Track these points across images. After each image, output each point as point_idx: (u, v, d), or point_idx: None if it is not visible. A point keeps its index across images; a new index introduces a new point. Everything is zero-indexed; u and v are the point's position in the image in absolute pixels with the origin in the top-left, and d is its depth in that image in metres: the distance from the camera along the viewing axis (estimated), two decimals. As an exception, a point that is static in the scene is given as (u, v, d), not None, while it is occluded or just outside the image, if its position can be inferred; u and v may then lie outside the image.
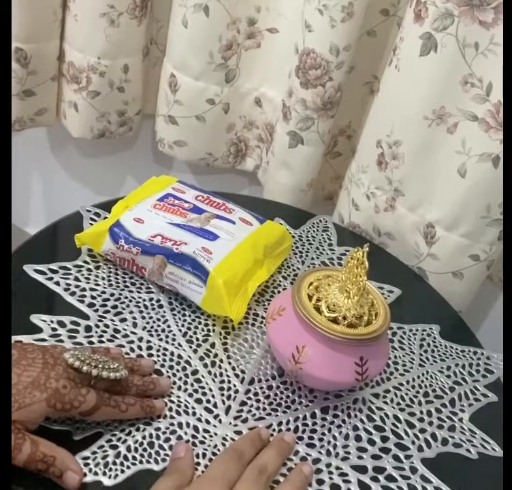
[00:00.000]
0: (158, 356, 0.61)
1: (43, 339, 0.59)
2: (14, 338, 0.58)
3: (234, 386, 0.60)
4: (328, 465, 0.55)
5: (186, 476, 0.50)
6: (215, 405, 0.58)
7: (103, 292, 0.66)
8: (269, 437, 0.56)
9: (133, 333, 0.63)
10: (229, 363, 0.62)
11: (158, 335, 0.63)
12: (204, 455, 0.53)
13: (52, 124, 1.12)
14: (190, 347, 0.63)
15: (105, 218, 0.74)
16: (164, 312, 0.66)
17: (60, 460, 0.48)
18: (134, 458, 0.52)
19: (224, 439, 0.55)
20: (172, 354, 0.62)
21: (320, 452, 0.56)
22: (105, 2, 0.92)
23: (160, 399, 0.56)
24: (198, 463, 0.52)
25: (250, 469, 0.50)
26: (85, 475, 0.49)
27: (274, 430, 0.57)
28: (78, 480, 0.48)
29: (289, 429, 0.57)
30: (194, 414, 0.57)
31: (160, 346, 0.62)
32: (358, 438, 0.58)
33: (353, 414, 0.60)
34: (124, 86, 1.02)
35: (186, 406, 0.57)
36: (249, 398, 0.59)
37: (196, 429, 0.55)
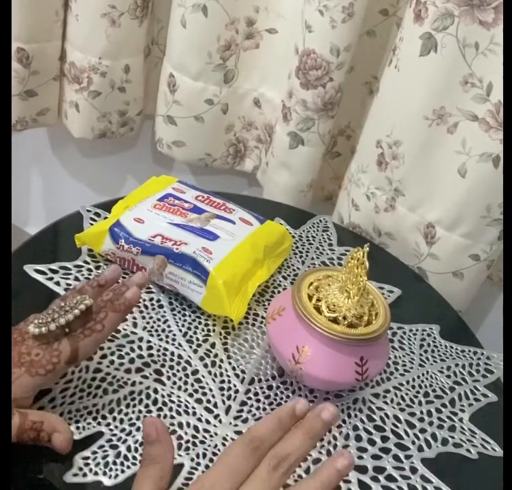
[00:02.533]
0: (158, 356, 0.61)
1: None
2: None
3: (234, 386, 0.60)
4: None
5: (165, 462, 0.44)
6: (215, 405, 0.58)
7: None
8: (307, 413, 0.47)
9: (133, 333, 0.63)
10: (229, 363, 0.62)
11: (159, 335, 0.63)
12: (204, 455, 0.53)
13: (53, 124, 1.12)
14: (191, 347, 0.63)
15: (106, 218, 0.74)
16: (164, 311, 0.66)
17: (48, 423, 0.47)
18: (134, 458, 0.52)
19: (224, 439, 0.55)
20: (172, 354, 0.62)
21: (320, 452, 0.56)
22: (106, 2, 0.92)
23: (131, 288, 0.53)
24: (198, 464, 0.52)
25: (265, 463, 0.43)
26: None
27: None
28: (66, 439, 0.47)
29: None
30: (194, 414, 0.57)
31: (160, 346, 0.62)
32: (358, 438, 0.58)
33: (353, 414, 0.60)
34: (126, 87, 1.02)
35: (186, 406, 0.57)
36: (249, 398, 0.59)
37: (196, 429, 0.55)
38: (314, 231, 0.84)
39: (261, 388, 0.61)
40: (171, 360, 0.61)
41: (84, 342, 0.50)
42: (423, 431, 0.60)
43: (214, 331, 0.65)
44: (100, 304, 0.52)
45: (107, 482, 0.50)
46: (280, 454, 0.43)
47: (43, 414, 0.48)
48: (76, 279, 0.67)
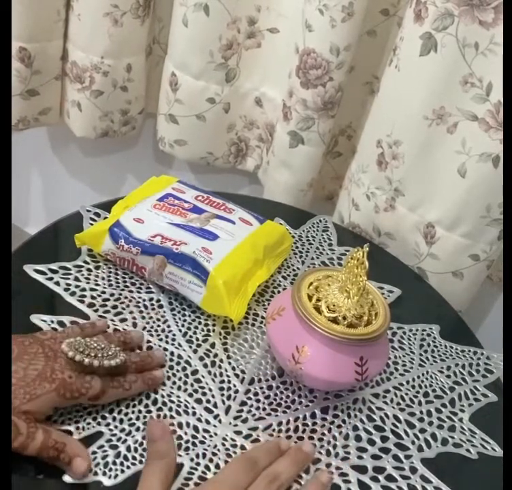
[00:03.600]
0: (158, 356, 0.61)
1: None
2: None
3: (234, 386, 0.60)
4: (328, 465, 0.55)
5: (170, 458, 0.49)
6: (215, 405, 0.58)
7: (103, 292, 0.66)
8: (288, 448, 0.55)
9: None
10: (229, 363, 0.62)
11: (158, 335, 0.63)
12: (204, 455, 0.53)
13: (55, 124, 1.12)
14: (190, 347, 0.63)
15: (105, 218, 0.74)
16: (164, 312, 0.66)
17: (70, 447, 0.49)
18: (134, 458, 0.52)
19: (224, 439, 0.55)
20: (172, 354, 0.62)
21: (320, 452, 0.56)
22: (108, 1, 0.92)
23: (158, 369, 0.59)
24: (198, 463, 0.53)
25: (262, 478, 0.50)
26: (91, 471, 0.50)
27: (273, 430, 0.57)
28: (86, 467, 0.49)
29: (288, 429, 0.57)
30: (194, 414, 0.57)
31: (160, 346, 0.62)
32: (358, 438, 0.58)
33: (352, 414, 0.60)
34: (128, 86, 1.02)
35: (186, 406, 0.57)
36: (249, 398, 0.59)
37: (196, 429, 0.55)
38: (314, 231, 0.84)
39: (261, 388, 0.61)
40: (171, 360, 0.61)
41: (111, 390, 0.53)
42: (423, 431, 0.60)
43: (213, 331, 0.65)
44: (128, 364, 0.56)
45: (106, 482, 0.50)
46: (273, 473, 0.51)
47: (65, 436, 0.50)
48: (76, 279, 0.67)
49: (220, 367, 0.62)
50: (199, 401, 0.58)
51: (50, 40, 1.00)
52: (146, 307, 0.66)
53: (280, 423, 0.58)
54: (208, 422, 0.56)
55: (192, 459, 0.53)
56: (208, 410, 0.57)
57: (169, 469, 0.48)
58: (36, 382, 0.49)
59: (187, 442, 0.54)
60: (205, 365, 0.61)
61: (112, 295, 0.66)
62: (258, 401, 0.59)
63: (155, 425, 0.51)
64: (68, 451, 0.49)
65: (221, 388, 0.59)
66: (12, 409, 0.47)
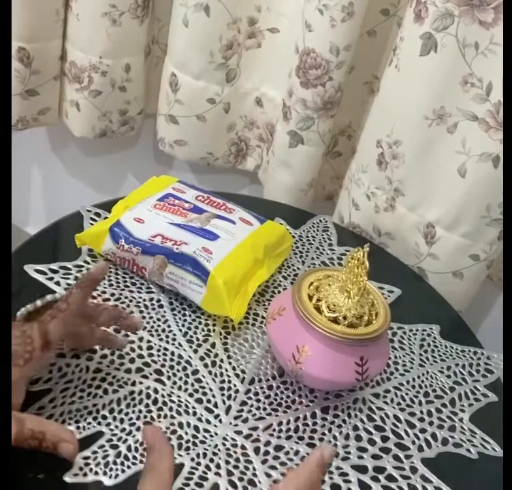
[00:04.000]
0: (158, 356, 0.61)
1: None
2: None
3: (234, 386, 0.60)
4: (328, 465, 0.55)
5: (162, 468, 0.45)
6: (215, 405, 0.58)
7: (104, 292, 0.66)
8: None
9: (133, 332, 0.63)
10: (230, 363, 0.62)
11: (159, 335, 0.63)
12: (205, 455, 0.53)
13: (54, 124, 1.12)
14: (191, 347, 0.63)
15: (106, 218, 0.74)
16: (164, 311, 0.66)
17: (51, 433, 0.47)
18: (134, 458, 0.52)
19: (224, 439, 0.55)
20: (172, 354, 0.62)
21: (320, 452, 0.56)
22: (107, 1, 0.92)
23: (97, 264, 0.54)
24: (198, 463, 0.53)
25: None
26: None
27: (273, 430, 0.57)
28: (73, 449, 0.47)
29: (289, 429, 0.57)
30: (194, 413, 0.57)
31: (160, 345, 0.62)
32: (358, 438, 0.58)
33: (353, 414, 0.60)
34: (126, 86, 1.02)
35: (186, 406, 0.57)
36: (249, 398, 0.59)
37: (196, 428, 0.55)
38: (314, 231, 0.84)
39: (262, 388, 0.61)
40: (172, 360, 0.61)
41: (52, 324, 0.49)
42: (423, 431, 0.60)
43: (214, 331, 0.65)
44: (99, 310, 0.54)
45: (107, 481, 0.50)
46: None
47: (42, 422, 0.48)
48: (76, 279, 0.67)
49: (220, 367, 0.62)
50: (199, 401, 0.58)
51: (48, 40, 1.00)
52: (146, 307, 0.66)
53: (280, 423, 0.58)
54: (208, 422, 0.56)
55: (192, 459, 0.53)
56: (208, 409, 0.57)
57: (161, 479, 0.44)
58: None
59: (187, 441, 0.54)
60: (205, 365, 0.61)
61: (113, 294, 0.66)
62: (258, 401, 0.59)
63: (146, 432, 0.47)
64: (49, 438, 0.46)
65: (222, 388, 0.60)
66: None
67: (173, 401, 0.57)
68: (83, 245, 0.70)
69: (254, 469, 0.53)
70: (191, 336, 0.64)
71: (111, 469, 0.50)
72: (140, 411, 0.55)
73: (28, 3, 0.93)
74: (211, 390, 0.59)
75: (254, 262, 0.68)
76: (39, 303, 0.51)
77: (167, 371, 0.60)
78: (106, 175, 1.30)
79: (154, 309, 0.66)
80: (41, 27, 0.97)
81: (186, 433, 0.55)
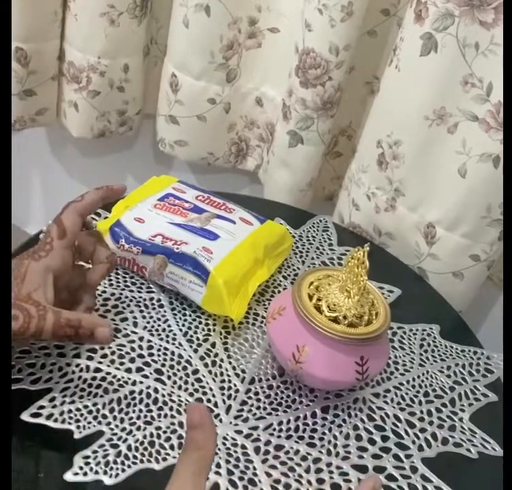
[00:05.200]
0: (158, 355, 0.61)
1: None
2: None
3: (235, 385, 0.60)
4: (329, 465, 0.55)
5: (207, 449, 0.43)
6: (216, 405, 0.58)
7: (104, 292, 0.66)
8: None
9: (133, 332, 0.63)
10: (230, 363, 0.62)
11: (159, 334, 0.63)
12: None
13: (52, 124, 1.12)
14: (191, 346, 0.63)
15: (106, 217, 0.74)
16: (164, 311, 0.66)
17: (86, 321, 0.49)
18: (135, 457, 0.52)
19: (224, 438, 0.55)
20: (173, 353, 0.62)
21: (320, 452, 0.56)
22: (105, 2, 0.92)
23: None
24: (199, 463, 0.53)
25: None
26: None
27: (274, 429, 0.57)
28: (109, 333, 0.50)
29: (289, 429, 0.57)
30: (194, 413, 0.56)
31: (160, 345, 0.62)
32: (358, 438, 0.58)
33: (353, 414, 0.60)
34: (125, 86, 1.02)
35: (186, 406, 0.57)
36: (250, 398, 0.59)
37: (196, 428, 0.55)
38: (314, 231, 0.84)
39: (262, 387, 0.61)
40: (172, 359, 0.61)
41: (65, 215, 0.54)
42: (423, 430, 0.60)
43: (214, 330, 0.65)
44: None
45: (107, 481, 0.50)
46: None
47: (77, 313, 0.50)
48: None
49: (220, 366, 0.62)
50: (199, 400, 0.58)
51: (46, 40, 1.00)
52: (146, 306, 0.66)
53: (280, 423, 0.58)
54: (208, 421, 0.56)
55: (193, 459, 0.53)
56: (208, 409, 0.57)
57: (204, 461, 0.42)
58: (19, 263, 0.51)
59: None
60: (205, 365, 0.61)
61: (113, 294, 0.66)
62: (258, 400, 0.59)
63: (193, 410, 0.44)
64: (85, 325, 0.49)
65: (222, 388, 0.59)
66: (16, 297, 0.48)
67: (173, 401, 0.57)
68: (83, 244, 0.70)
69: (254, 468, 0.53)
70: (191, 336, 0.64)
71: (111, 469, 0.50)
72: (140, 410, 0.55)
73: (26, 3, 0.93)
74: (211, 389, 0.59)
75: (254, 262, 0.68)
76: None
77: (167, 371, 0.60)
78: (106, 176, 1.30)
79: (154, 308, 0.66)
80: (38, 27, 0.97)
81: (187, 433, 0.55)
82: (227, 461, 0.53)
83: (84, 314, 0.50)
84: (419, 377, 0.66)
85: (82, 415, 0.54)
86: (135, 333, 0.63)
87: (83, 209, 0.55)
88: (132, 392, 0.57)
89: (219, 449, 0.54)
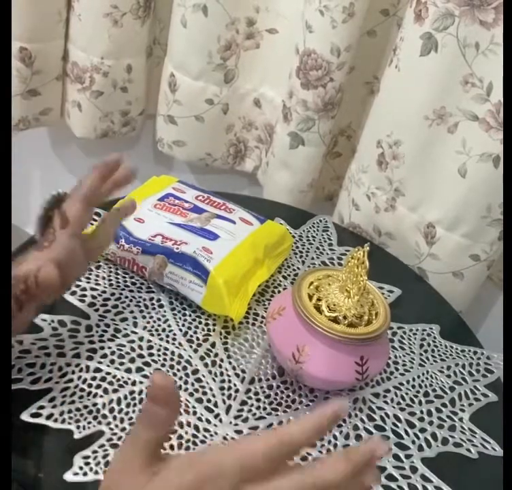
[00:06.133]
0: (158, 355, 0.61)
1: (44, 339, 0.59)
2: (15, 339, 0.58)
3: (235, 385, 0.60)
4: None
5: (164, 425, 0.38)
6: (216, 405, 0.58)
7: (104, 292, 0.66)
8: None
9: (133, 332, 0.63)
10: (230, 363, 0.62)
11: (159, 334, 0.63)
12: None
13: (56, 124, 1.12)
14: (191, 346, 0.63)
15: (106, 217, 0.74)
16: (164, 311, 0.66)
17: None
18: (134, 457, 0.52)
19: (224, 438, 0.55)
20: (173, 353, 0.62)
21: (320, 452, 0.56)
22: (108, 2, 0.92)
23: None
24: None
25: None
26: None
27: (274, 429, 0.57)
28: (50, 270, 0.49)
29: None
30: (194, 413, 0.57)
31: (160, 345, 0.62)
32: (358, 438, 0.58)
33: (353, 414, 0.60)
34: (128, 86, 1.02)
35: (186, 406, 0.57)
36: (250, 397, 0.59)
37: (196, 428, 0.55)
38: (314, 231, 0.84)
39: (262, 387, 0.61)
40: (172, 359, 0.61)
41: (67, 204, 0.54)
42: (423, 430, 0.60)
43: (214, 330, 0.65)
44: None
45: (107, 481, 0.50)
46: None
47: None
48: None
49: (220, 366, 0.62)
50: (199, 400, 0.58)
51: (50, 40, 1.00)
52: (146, 306, 0.66)
53: (280, 422, 0.58)
54: (208, 421, 0.56)
55: (192, 458, 0.53)
56: (208, 409, 0.57)
57: (159, 437, 0.38)
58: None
59: (188, 441, 0.54)
60: (205, 365, 0.61)
61: (113, 294, 0.66)
62: (258, 400, 0.59)
63: (159, 379, 0.37)
64: (31, 275, 0.48)
65: (222, 388, 0.60)
66: None
67: (173, 401, 0.57)
68: (83, 245, 0.70)
69: (254, 468, 0.53)
70: (191, 336, 0.64)
71: (111, 469, 0.50)
72: (140, 410, 0.55)
73: (30, 3, 0.94)
74: (211, 389, 0.59)
75: (254, 262, 0.68)
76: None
77: (167, 371, 0.60)
78: (106, 176, 1.30)
79: (154, 308, 0.66)
80: (42, 27, 0.98)
81: (186, 433, 0.55)
82: (227, 461, 0.53)
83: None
84: (419, 377, 0.66)
85: (82, 415, 0.54)
86: (135, 333, 0.63)
87: (83, 195, 0.55)
88: (132, 392, 0.57)
89: (219, 449, 0.54)
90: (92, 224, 0.73)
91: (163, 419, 0.38)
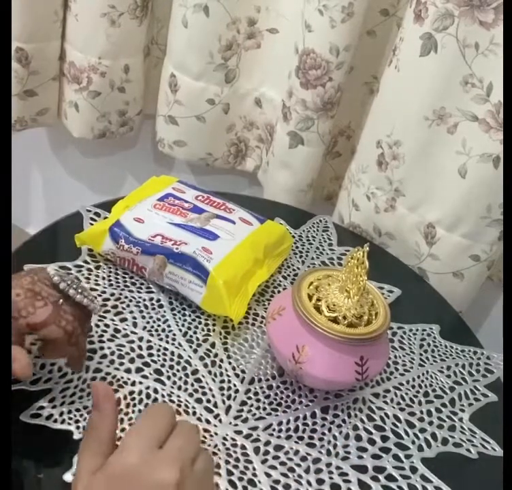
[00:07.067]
0: (158, 356, 0.61)
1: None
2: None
3: (234, 385, 0.60)
4: (328, 465, 0.55)
5: (104, 429, 0.45)
6: (215, 405, 0.58)
7: (104, 292, 0.66)
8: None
9: (133, 332, 0.63)
10: (229, 363, 0.62)
11: (159, 334, 0.63)
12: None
13: (53, 124, 1.12)
14: (191, 347, 0.63)
15: (106, 217, 0.74)
16: (164, 311, 0.66)
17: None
18: (134, 457, 0.52)
19: (224, 438, 0.55)
20: (172, 353, 0.62)
21: (320, 452, 0.56)
22: (106, 2, 0.92)
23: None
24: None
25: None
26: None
27: (273, 430, 0.57)
28: (21, 367, 0.45)
29: (289, 429, 0.57)
30: (194, 413, 0.57)
31: (160, 345, 0.62)
32: (358, 438, 0.58)
33: (353, 414, 0.60)
34: (125, 86, 1.02)
35: (186, 406, 0.57)
36: (249, 398, 0.59)
37: (196, 428, 0.55)
38: (314, 231, 0.84)
39: (261, 387, 0.61)
40: (171, 360, 0.61)
41: (54, 328, 0.48)
42: (423, 430, 0.60)
43: (214, 330, 0.65)
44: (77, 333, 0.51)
45: (107, 481, 0.49)
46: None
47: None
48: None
49: (220, 366, 0.62)
50: (199, 400, 0.58)
51: (47, 40, 1.00)
52: (146, 307, 0.66)
53: (280, 423, 0.58)
54: (208, 421, 0.56)
55: (192, 459, 0.53)
56: (208, 409, 0.57)
57: (101, 440, 0.44)
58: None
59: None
60: (205, 365, 0.61)
61: (112, 294, 0.66)
62: (258, 400, 0.59)
63: (95, 389, 0.46)
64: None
65: (221, 388, 0.59)
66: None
67: (173, 401, 0.57)
68: (83, 245, 0.70)
69: (254, 469, 0.53)
70: (191, 336, 0.64)
71: (111, 469, 0.50)
72: (140, 411, 0.55)
73: (27, 3, 0.93)
74: (211, 390, 0.59)
75: (254, 262, 0.68)
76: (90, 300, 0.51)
77: (167, 371, 0.60)
78: (106, 176, 1.30)
79: (154, 309, 0.66)
80: (39, 27, 0.97)
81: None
82: (227, 462, 0.53)
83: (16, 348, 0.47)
84: (418, 377, 0.66)
85: (81, 415, 0.54)
86: (135, 333, 0.63)
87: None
88: (132, 392, 0.57)
89: (219, 449, 0.54)
90: (91, 224, 0.73)
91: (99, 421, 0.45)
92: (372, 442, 0.58)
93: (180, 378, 0.59)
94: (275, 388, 0.61)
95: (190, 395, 0.58)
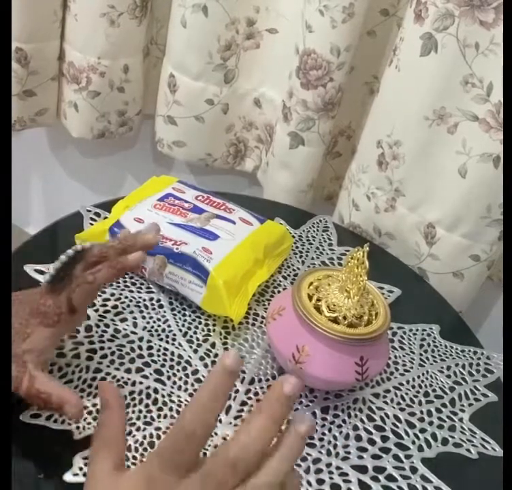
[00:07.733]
0: (158, 356, 0.61)
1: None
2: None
3: (234, 385, 0.60)
4: (328, 465, 0.55)
5: (113, 426, 0.44)
6: (215, 405, 0.58)
7: (103, 292, 0.66)
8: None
9: (133, 333, 0.63)
10: (230, 363, 0.62)
11: (159, 335, 0.63)
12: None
13: (52, 124, 1.12)
14: (191, 347, 0.63)
15: (106, 217, 0.74)
16: (164, 311, 0.66)
17: (56, 396, 0.48)
18: (134, 458, 0.52)
19: (224, 439, 0.55)
20: (172, 354, 0.62)
21: (320, 452, 0.56)
22: (105, 2, 0.92)
23: (138, 253, 0.52)
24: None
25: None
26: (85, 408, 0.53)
27: (274, 430, 0.57)
28: (76, 411, 0.48)
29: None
30: (194, 413, 0.56)
31: (160, 346, 0.62)
32: (358, 438, 0.58)
33: (353, 414, 0.60)
34: (125, 86, 1.02)
35: (186, 406, 0.57)
36: (249, 398, 0.59)
37: (196, 428, 0.55)
38: (314, 231, 0.84)
39: (261, 388, 0.61)
40: (172, 360, 0.61)
41: (75, 294, 0.51)
42: (423, 430, 0.60)
43: (214, 330, 0.65)
44: (103, 251, 0.52)
45: (107, 481, 0.49)
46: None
47: (50, 384, 0.49)
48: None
49: (220, 367, 0.61)
50: (199, 400, 0.58)
51: (46, 40, 1.00)
52: (146, 307, 0.66)
53: (280, 423, 0.58)
54: (208, 422, 0.56)
55: (192, 459, 0.53)
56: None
57: (118, 458, 0.42)
58: (26, 321, 0.50)
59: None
60: (205, 365, 0.61)
61: (112, 294, 0.66)
62: (258, 400, 0.59)
63: (101, 388, 0.46)
64: (54, 400, 0.48)
65: (221, 388, 0.59)
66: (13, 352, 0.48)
67: (173, 401, 0.57)
68: (83, 245, 0.70)
69: (254, 469, 0.53)
70: (191, 336, 0.64)
71: (111, 469, 0.50)
72: (140, 411, 0.55)
73: (26, 3, 0.93)
74: (211, 390, 0.59)
75: (254, 262, 0.68)
76: (57, 264, 0.51)
77: (167, 371, 0.60)
78: (106, 176, 1.30)
79: (154, 309, 0.66)
80: (38, 28, 0.97)
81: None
82: (227, 462, 0.53)
83: (57, 388, 0.49)
84: (419, 377, 0.66)
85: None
86: (135, 333, 0.63)
87: (94, 290, 0.53)
88: (132, 392, 0.57)
89: (219, 449, 0.54)
90: (92, 224, 0.73)
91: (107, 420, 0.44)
92: (372, 442, 0.58)
93: (180, 378, 0.59)
94: (275, 389, 0.61)
95: (191, 395, 0.58)
